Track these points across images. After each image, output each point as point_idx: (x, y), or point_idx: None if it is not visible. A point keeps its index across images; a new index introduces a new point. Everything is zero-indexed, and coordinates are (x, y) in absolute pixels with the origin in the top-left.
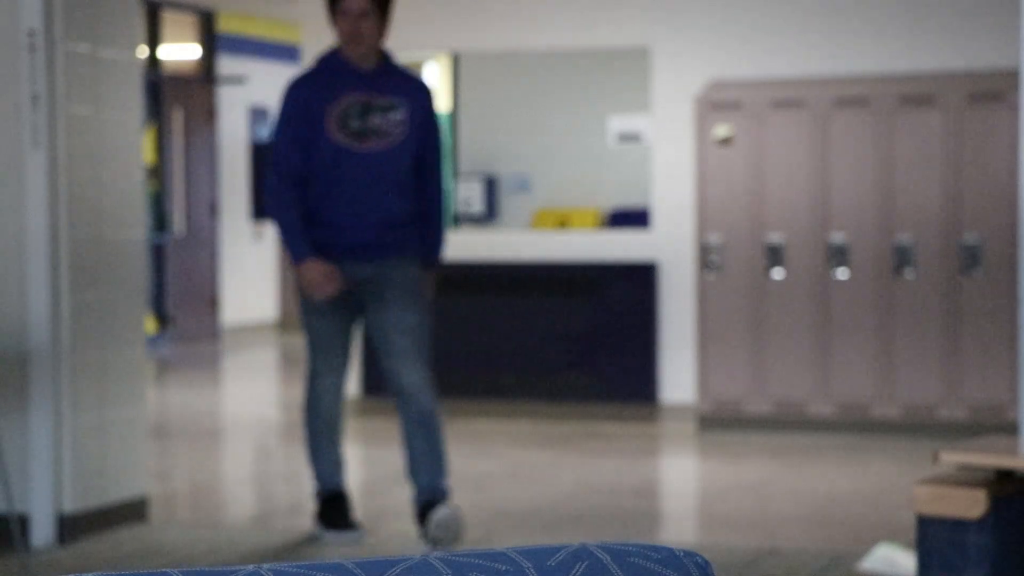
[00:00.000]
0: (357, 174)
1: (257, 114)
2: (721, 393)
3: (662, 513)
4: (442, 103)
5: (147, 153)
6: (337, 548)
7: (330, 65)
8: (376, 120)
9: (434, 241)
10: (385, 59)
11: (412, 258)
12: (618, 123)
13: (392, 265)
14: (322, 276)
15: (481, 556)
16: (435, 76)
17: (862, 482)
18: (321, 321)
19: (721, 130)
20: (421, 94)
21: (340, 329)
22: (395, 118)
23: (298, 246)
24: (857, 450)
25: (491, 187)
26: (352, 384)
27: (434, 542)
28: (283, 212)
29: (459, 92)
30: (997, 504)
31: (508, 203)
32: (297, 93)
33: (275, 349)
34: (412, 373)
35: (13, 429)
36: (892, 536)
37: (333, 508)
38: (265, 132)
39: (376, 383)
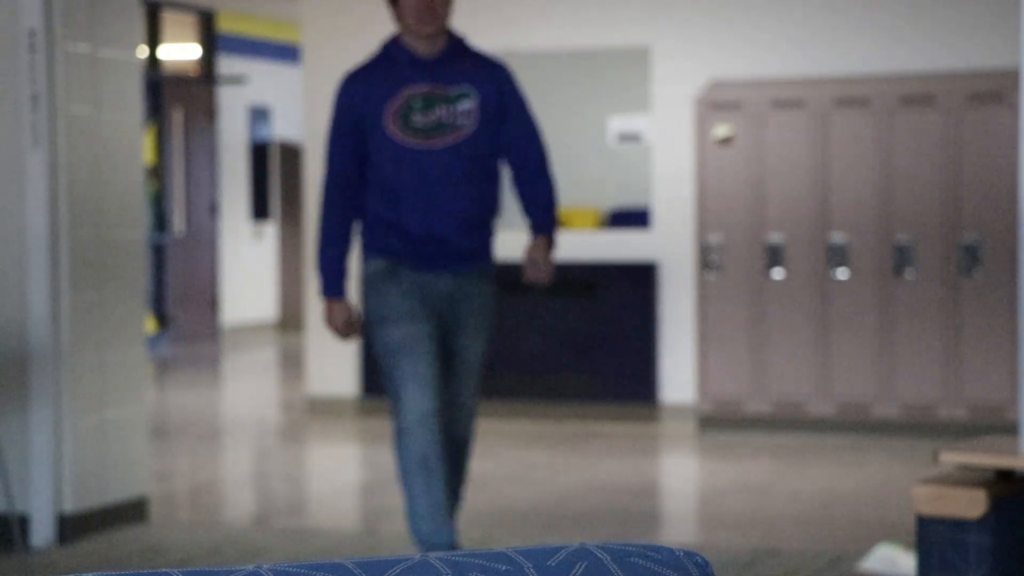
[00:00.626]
0: (424, 175)
1: (257, 114)
2: (721, 393)
3: (662, 513)
4: None
5: (147, 153)
6: None
7: (389, 55)
8: (440, 113)
9: (545, 205)
10: (454, 43)
11: (490, 271)
12: (618, 123)
13: (471, 281)
14: (341, 325)
15: (481, 556)
16: None
17: (862, 482)
18: (399, 330)
19: (721, 130)
20: (495, 78)
21: (425, 337)
22: (463, 108)
23: (328, 278)
24: (857, 450)
25: None
26: (350, 382)
27: None
28: (323, 233)
29: None
30: (997, 504)
31: (508, 203)
32: (349, 91)
33: (275, 349)
34: (461, 399)
35: (13, 429)
36: (892, 536)
37: None
38: (265, 132)
39: (376, 382)
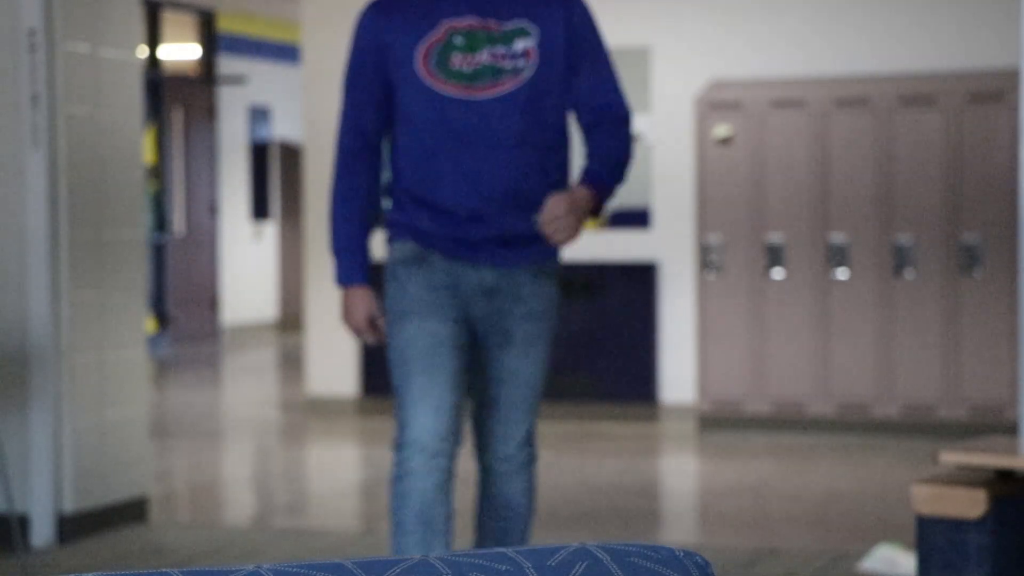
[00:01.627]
0: (464, 134)
1: (257, 114)
2: (721, 393)
3: (662, 513)
4: None
5: (147, 153)
6: None
7: None
8: (488, 54)
9: (614, 159)
10: None
11: (551, 266)
12: None
13: (522, 278)
14: (363, 320)
15: (481, 556)
16: None
17: (862, 482)
18: (417, 329)
19: (721, 130)
20: (561, 9)
21: (448, 343)
22: (518, 48)
23: (343, 261)
24: (857, 450)
25: None
26: (350, 382)
27: None
28: (336, 206)
29: None
30: (997, 504)
31: None
32: (371, 23)
33: (275, 349)
34: (507, 445)
35: (13, 429)
36: (892, 536)
37: None
38: (265, 132)
39: (376, 382)
